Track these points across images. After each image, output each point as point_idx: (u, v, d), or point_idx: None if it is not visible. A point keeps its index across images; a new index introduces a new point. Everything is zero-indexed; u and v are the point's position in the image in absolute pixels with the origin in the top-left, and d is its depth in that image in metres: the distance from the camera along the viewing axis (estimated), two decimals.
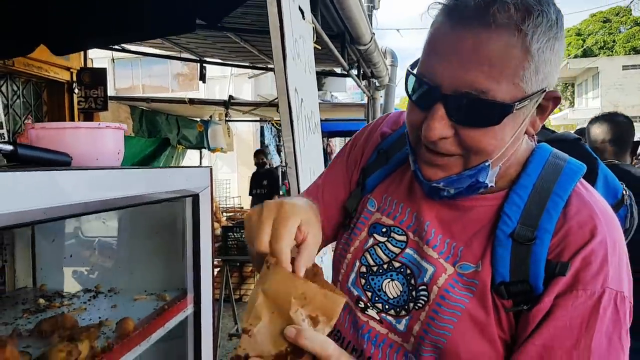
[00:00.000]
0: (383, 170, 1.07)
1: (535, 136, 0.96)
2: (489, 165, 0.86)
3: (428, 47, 0.85)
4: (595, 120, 2.73)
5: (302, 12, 2.49)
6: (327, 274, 0.89)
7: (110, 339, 1.33)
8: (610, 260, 0.83)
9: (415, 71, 0.87)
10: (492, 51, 0.77)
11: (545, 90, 0.83)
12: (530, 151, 0.94)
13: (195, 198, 1.80)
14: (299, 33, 2.32)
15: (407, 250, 0.97)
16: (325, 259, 2.26)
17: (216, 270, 5.28)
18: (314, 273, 0.77)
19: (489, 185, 0.89)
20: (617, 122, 2.64)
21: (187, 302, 1.78)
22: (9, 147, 1.13)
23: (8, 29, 2.82)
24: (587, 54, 37.04)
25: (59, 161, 1.26)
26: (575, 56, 36.43)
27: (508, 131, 0.84)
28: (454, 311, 0.88)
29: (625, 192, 1.06)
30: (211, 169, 1.86)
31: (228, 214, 7.21)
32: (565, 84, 40.38)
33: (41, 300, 1.69)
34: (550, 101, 0.87)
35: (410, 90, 0.88)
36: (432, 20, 0.85)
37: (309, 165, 2.29)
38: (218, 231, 5.36)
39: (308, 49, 2.56)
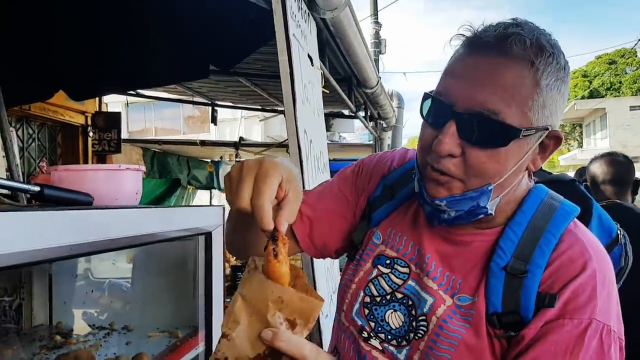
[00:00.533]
0: (388, 205, 1.11)
1: (533, 177, 1.02)
2: (491, 189, 0.89)
3: (446, 72, 0.91)
4: (595, 160, 2.78)
5: (311, 59, 2.60)
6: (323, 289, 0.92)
7: None
8: (599, 294, 0.86)
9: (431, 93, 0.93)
10: (506, 77, 0.84)
11: (548, 129, 0.89)
12: (527, 191, 0.99)
13: (208, 236, 1.85)
14: (307, 78, 2.42)
15: (409, 282, 1.01)
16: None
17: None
18: (295, 275, 0.77)
19: (489, 213, 0.92)
20: (617, 162, 2.68)
21: (198, 339, 1.81)
22: (37, 188, 1.21)
23: (29, 75, 2.96)
24: (593, 95, 37.30)
25: (81, 201, 1.33)
26: (582, 97, 36.68)
27: (511, 159, 0.88)
28: (451, 341, 0.92)
29: (620, 231, 1.09)
30: (224, 208, 1.92)
31: None
32: (573, 124, 40.53)
33: (57, 337, 1.73)
34: (552, 140, 0.92)
35: (424, 111, 0.93)
36: (453, 51, 0.93)
37: None
38: (227, 270, 5.39)
39: (317, 93, 2.66)
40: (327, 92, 3.05)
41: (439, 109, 0.89)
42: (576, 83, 39.64)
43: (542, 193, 0.99)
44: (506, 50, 0.84)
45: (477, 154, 0.86)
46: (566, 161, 30.68)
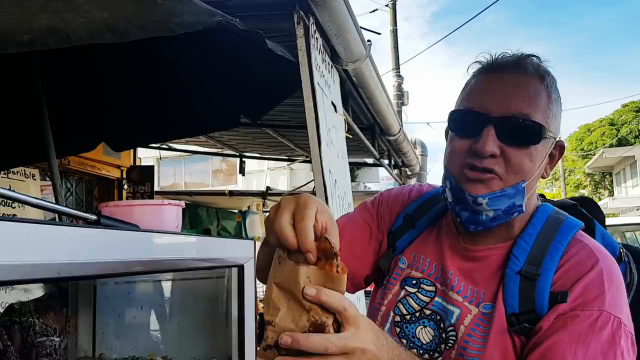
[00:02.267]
0: (411, 233, 1.22)
1: (539, 199, 1.15)
2: (524, 188, 1.02)
3: (472, 90, 1.07)
4: None
5: (335, 106, 2.78)
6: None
7: None
8: (607, 288, 0.96)
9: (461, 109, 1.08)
10: (529, 89, 1.02)
11: (556, 138, 1.06)
12: (536, 207, 1.11)
13: (241, 269, 1.97)
14: (332, 123, 2.59)
15: (436, 299, 1.11)
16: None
17: None
18: (323, 248, 0.82)
19: (523, 210, 1.04)
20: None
21: None
22: (94, 217, 1.36)
23: (76, 128, 3.20)
24: (622, 143, 36.88)
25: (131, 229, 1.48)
26: (610, 145, 36.30)
27: (538, 160, 1.03)
28: (479, 346, 1.01)
29: (622, 249, 1.17)
30: (255, 242, 2.05)
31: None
32: (603, 173, 39.91)
33: None
34: (557, 150, 1.08)
35: (454, 126, 1.07)
36: (469, 77, 1.10)
37: None
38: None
39: (340, 137, 2.83)
40: (351, 137, 3.21)
41: (473, 119, 1.03)
42: (603, 131, 39.30)
43: (549, 209, 1.11)
44: (524, 68, 1.03)
45: (515, 152, 1.01)
46: None
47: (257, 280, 1.30)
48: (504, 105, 1.00)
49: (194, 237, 1.58)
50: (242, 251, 1.97)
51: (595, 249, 1.02)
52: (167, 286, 2.13)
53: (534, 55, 1.06)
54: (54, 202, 2.61)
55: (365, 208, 1.31)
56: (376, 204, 1.31)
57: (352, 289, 1.28)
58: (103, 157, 5.80)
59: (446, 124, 1.11)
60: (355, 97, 3.68)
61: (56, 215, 2.53)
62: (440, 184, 1.15)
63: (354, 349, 0.81)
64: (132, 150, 6.42)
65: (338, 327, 0.82)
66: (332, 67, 2.78)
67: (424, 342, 1.09)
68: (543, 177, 1.08)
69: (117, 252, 1.14)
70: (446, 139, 1.11)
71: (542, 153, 1.04)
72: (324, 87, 2.51)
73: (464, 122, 1.06)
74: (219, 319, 2.04)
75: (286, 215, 0.83)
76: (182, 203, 1.77)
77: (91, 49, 2.35)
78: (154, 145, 6.27)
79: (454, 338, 1.05)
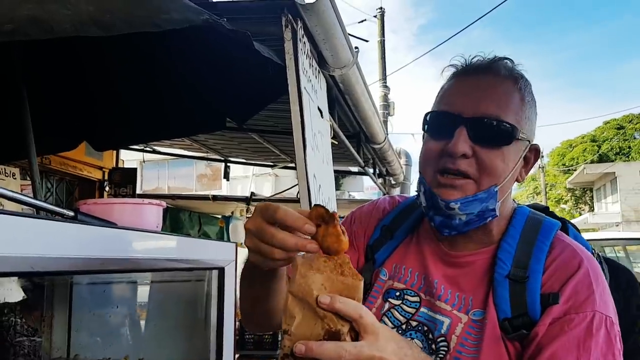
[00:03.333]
0: (390, 244, 1.20)
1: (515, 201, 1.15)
2: (497, 191, 1.02)
3: (445, 94, 1.08)
4: None
5: (321, 111, 2.78)
6: None
7: None
8: (595, 288, 0.97)
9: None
10: (501, 91, 1.03)
11: (530, 142, 1.06)
12: (513, 209, 1.12)
13: (221, 271, 1.95)
14: (317, 128, 2.59)
15: (422, 309, 1.10)
16: None
17: None
18: (342, 262, 0.83)
19: (496, 215, 1.04)
20: None
21: None
22: (71, 213, 1.34)
23: (57, 126, 3.16)
24: (603, 159, 37.45)
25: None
26: (592, 161, 36.85)
27: (511, 161, 1.03)
28: (473, 355, 1.00)
29: (594, 250, 1.18)
30: (237, 245, 2.03)
31: None
32: (584, 188, 40.46)
33: None
34: (532, 153, 1.09)
35: (428, 127, 1.08)
36: (445, 80, 1.10)
37: None
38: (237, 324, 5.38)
39: (326, 143, 2.82)
40: (336, 143, 3.21)
41: (446, 120, 1.04)
42: (585, 147, 39.91)
43: (526, 210, 1.12)
44: (496, 71, 1.04)
45: (486, 153, 1.01)
46: (578, 225, 29.91)
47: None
48: (476, 107, 1.01)
49: (174, 237, 1.55)
50: (224, 254, 1.95)
51: (578, 249, 1.04)
52: (145, 288, 2.10)
53: (507, 58, 1.07)
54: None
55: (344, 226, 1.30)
56: (348, 223, 1.29)
57: None
58: (85, 158, 5.73)
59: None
60: (342, 103, 3.68)
61: (34, 210, 2.49)
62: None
63: (371, 357, 0.80)
64: (114, 152, 6.36)
65: (356, 336, 0.81)
66: (319, 72, 2.78)
67: None
68: (518, 181, 1.08)
69: (93, 249, 1.12)
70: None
71: (515, 155, 1.04)
72: (311, 92, 2.51)
73: (437, 124, 1.07)
74: (197, 322, 2.01)
75: (262, 228, 0.84)
76: (163, 203, 1.74)
77: (75, 44, 2.32)
78: (137, 147, 6.21)
79: (445, 348, 1.03)
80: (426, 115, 1.09)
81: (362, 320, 0.81)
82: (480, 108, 1.01)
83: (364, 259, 1.23)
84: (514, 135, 1.02)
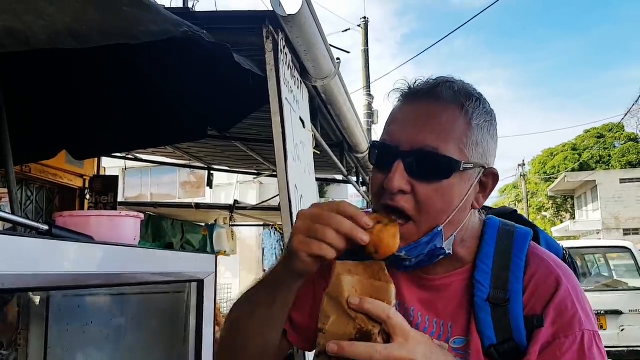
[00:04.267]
0: None
1: (482, 212, 1.11)
2: (441, 230, 0.97)
3: (388, 122, 1.03)
4: None
5: (303, 122, 2.78)
6: None
7: None
8: (578, 305, 0.96)
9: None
10: (441, 118, 0.96)
11: (485, 167, 1.00)
12: (483, 223, 1.08)
13: (200, 284, 1.93)
14: (299, 139, 2.59)
15: None
16: None
17: None
18: (379, 268, 0.90)
19: (448, 253, 0.99)
20: None
21: None
22: (45, 227, 1.32)
23: (35, 135, 3.11)
24: (584, 167, 37.97)
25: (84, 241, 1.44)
26: (573, 170, 37.34)
27: (456, 194, 0.97)
28: None
29: (566, 252, 1.19)
30: (216, 256, 2.02)
31: None
32: (565, 196, 40.98)
33: None
34: (490, 178, 1.02)
35: (374, 159, 1.03)
36: (392, 105, 1.06)
37: None
38: (218, 334, 5.33)
39: (308, 153, 2.82)
40: (318, 153, 3.21)
41: (386, 152, 0.99)
42: (566, 156, 40.45)
43: (496, 222, 1.09)
44: (438, 96, 0.97)
45: (425, 188, 0.95)
46: (559, 232, 30.81)
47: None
48: (414, 138, 0.95)
49: (152, 251, 1.54)
50: (203, 266, 1.93)
51: (552, 262, 1.02)
52: (123, 300, 2.07)
53: (451, 80, 0.99)
54: (9, 211, 2.53)
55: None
56: None
57: (307, 345, 1.17)
58: (65, 166, 5.65)
59: None
60: (325, 113, 3.69)
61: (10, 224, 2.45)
62: None
63: (401, 359, 0.81)
64: (96, 160, 6.29)
65: (388, 338, 0.84)
66: (301, 83, 2.78)
67: None
68: (474, 207, 1.02)
69: (67, 264, 1.10)
70: None
71: (463, 185, 0.97)
72: (292, 103, 2.51)
73: (378, 155, 1.01)
74: (176, 335, 1.99)
75: (320, 214, 0.89)
76: (141, 215, 1.73)
77: (54, 52, 2.30)
78: (118, 155, 6.16)
79: None
80: (370, 145, 1.05)
81: (390, 322, 0.83)
82: (418, 139, 0.95)
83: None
84: (455, 168, 0.95)
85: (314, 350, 0.88)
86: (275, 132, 2.24)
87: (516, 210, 1.22)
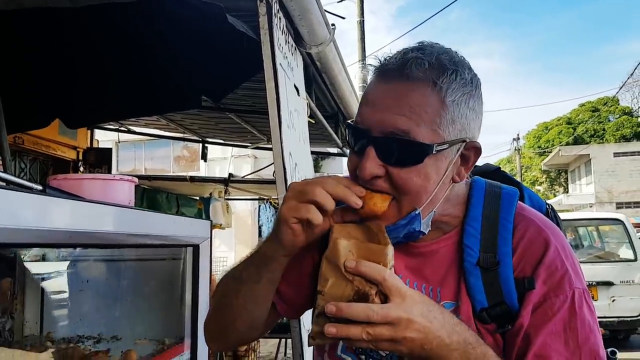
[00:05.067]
0: None
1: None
2: (419, 213, 0.95)
3: (361, 101, 0.99)
4: None
5: (297, 89, 2.76)
6: None
7: None
8: (567, 264, 0.96)
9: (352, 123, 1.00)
10: (411, 99, 0.90)
11: (464, 141, 0.96)
12: (469, 186, 1.06)
13: (196, 249, 1.94)
14: (294, 106, 2.57)
15: None
16: None
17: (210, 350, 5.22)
18: (378, 229, 0.92)
19: (427, 232, 0.98)
20: None
21: (184, 347, 1.88)
22: (39, 187, 1.31)
23: (27, 103, 3.08)
24: (578, 141, 38.03)
25: None
26: (567, 143, 37.41)
27: (432, 174, 0.94)
28: None
29: (549, 206, 1.19)
30: (211, 222, 2.03)
31: None
32: (559, 170, 41.14)
33: (48, 343, 1.80)
34: (471, 151, 0.98)
35: (349, 139, 1.00)
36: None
37: None
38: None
39: (302, 121, 2.81)
40: (313, 122, 3.20)
41: (359, 136, 0.96)
42: (560, 130, 40.49)
43: (482, 184, 1.07)
44: (407, 74, 0.91)
45: (398, 172, 0.92)
46: (553, 206, 30.87)
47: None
48: (382, 123, 0.91)
49: (147, 213, 1.54)
50: (198, 231, 1.94)
51: (540, 222, 1.01)
52: (119, 265, 2.08)
53: (422, 56, 0.92)
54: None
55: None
56: None
57: (295, 314, 1.19)
58: (58, 137, 5.62)
59: None
60: (319, 83, 3.66)
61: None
62: None
63: (398, 319, 0.82)
64: (89, 132, 6.25)
65: (385, 299, 0.85)
66: (295, 49, 2.75)
67: (384, 354, 1.02)
68: (455, 181, 0.99)
69: (62, 221, 1.10)
70: None
71: (437, 165, 0.94)
72: (287, 69, 2.49)
73: (353, 138, 0.98)
74: (172, 299, 2.00)
75: (307, 185, 0.91)
76: (135, 179, 1.72)
77: (47, 18, 2.26)
78: (111, 127, 6.11)
79: None
80: (347, 126, 1.02)
81: (386, 283, 0.83)
82: (388, 124, 0.91)
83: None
84: (427, 152, 0.91)
85: (314, 312, 0.88)
86: (269, 99, 2.22)
87: (499, 168, 1.21)
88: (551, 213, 1.17)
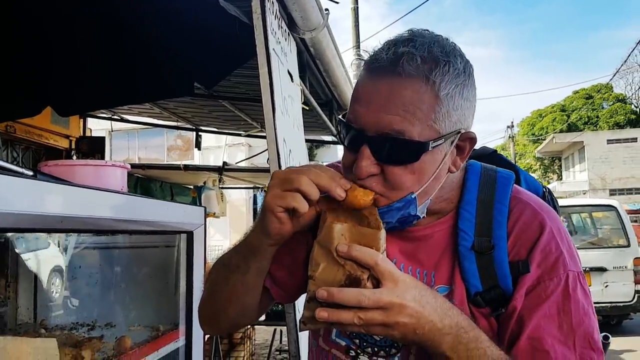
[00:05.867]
0: None
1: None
2: (415, 197, 0.94)
3: (353, 98, 0.97)
4: None
5: (291, 75, 2.74)
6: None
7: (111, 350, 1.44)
8: (562, 247, 0.95)
9: (345, 119, 0.97)
10: (404, 97, 0.88)
11: (460, 132, 0.94)
12: (464, 171, 1.05)
13: (190, 235, 1.94)
14: (287, 92, 2.55)
15: None
16: None
17: (206, 337, 5.23)
18: (370, 213, 0.91)
19: (421, 217, 0.97)
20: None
21: (178, 333, 1.88)
22: (30, 172, 1.30)
23: (18, 91, 3.05)
24: (571, 128, 38.13)
25: None
26: (561, 131, 37.50)
27: (428, 168, 0.93)
28: None
29: (545, 189, 1.18)
30: (205, 209, 2.02)
31: None
32: (552, 157, 41.32)
33: (42, 331, 1.79)
34: (467, 142, 0.97)
35: (343, 136, 0.98)
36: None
37: None
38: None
39: (296, 108, 2.79)
40: (307, 108, 3.18)
41: (352, 134, 0.95)
42: (554, 117, 40.57)
43: (477, 168, 1.06)
44: (399, 71, 0.89)
45: (394, 170, 0.91)
46: None
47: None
48: (377, 121, 0.89)
49: (140, 198, 1.53)
50: (192, 217, 1.93)
51: (536, 205, 1.01)
52: (113, 253, 2.07)
53: (414, 51, 0.89)
54: None
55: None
56: None
57: (289, 299, 1.18)
58: (51, 126, 5.57)
59: None
60: (313, 70, 3.63)
61: None
62: None
63: (390, 304, 0.81)
64: (82, 120, 6.21)
65: (378, 284, 0.84)
66: (289, 35, 2.73)
67: (378, 339, 1.02)
68: (451, 172, 0.98)
69: (52, 206, 1.09)
70: None
71: (433, 160, 0.93)
72: (280, 54, 2.46)
73: (346, 135, 0.96)
74: (166, 286, 2.00)
75: (291, 174, 0.89)
76: (128, 165, 1.71)
77: (34, 3, 2.23)
78: (104, 115, 6.07)
79: None
80: (338, 122, 1.02)
81: (378, 268, 0.82)
82: (383, 122, 0.89)
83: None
84: (423, 150, 0.90)
85: (305, 296, 0.87)
86: (262, 84, 2.20)
87: (496, 151, 1.20)
88: (548, 196, 1.16)
